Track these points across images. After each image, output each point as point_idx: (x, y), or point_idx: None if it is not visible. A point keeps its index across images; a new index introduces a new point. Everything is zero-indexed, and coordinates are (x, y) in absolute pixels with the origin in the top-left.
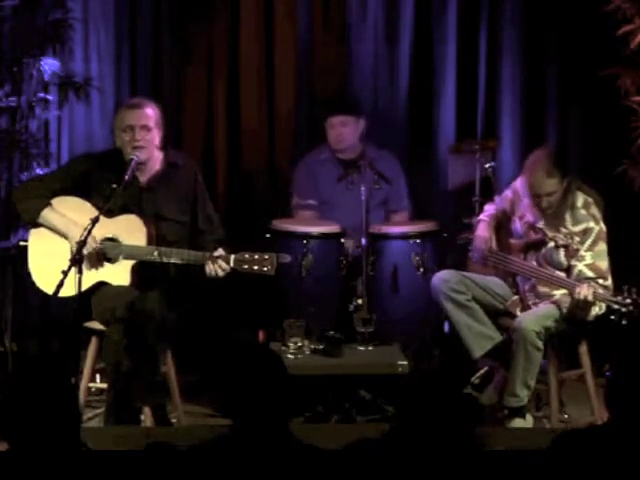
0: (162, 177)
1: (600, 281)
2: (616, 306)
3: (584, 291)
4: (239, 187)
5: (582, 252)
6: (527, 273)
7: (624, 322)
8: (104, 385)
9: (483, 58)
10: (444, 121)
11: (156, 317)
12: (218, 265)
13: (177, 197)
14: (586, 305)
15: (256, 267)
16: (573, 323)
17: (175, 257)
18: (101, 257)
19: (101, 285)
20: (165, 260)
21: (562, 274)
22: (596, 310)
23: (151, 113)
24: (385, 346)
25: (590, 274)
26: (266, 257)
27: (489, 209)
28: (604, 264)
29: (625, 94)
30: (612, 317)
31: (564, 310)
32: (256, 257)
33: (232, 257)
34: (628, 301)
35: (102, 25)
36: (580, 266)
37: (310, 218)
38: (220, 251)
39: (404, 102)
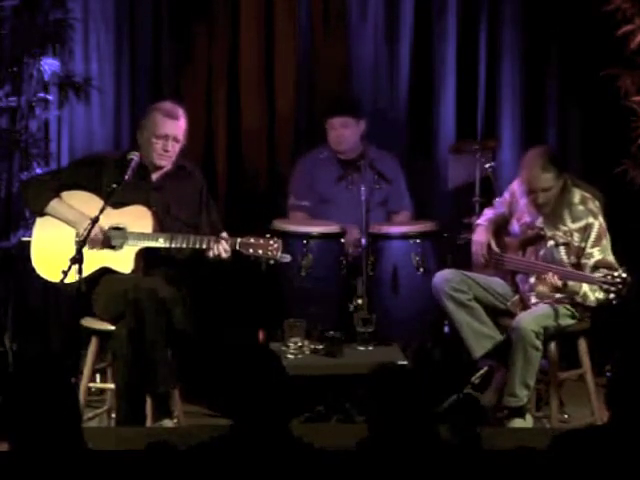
0: (171, 177)
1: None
2: (605, 286)
3: (549, 278)
4: (239, 187)
5: (588, 249)
6: (523, 268)
7: (614, 301)
8: (104, 385)
9: (483, 58)
10: (444, 121)
11: (162, 297)
12: (221, 245)
13: (184, 198)
14: (561, 290)
15: (261, 251)
16: (578, 311)
17: (180, 241)
18: (106, 244)
19: (101, 278)
20: (170, 245)
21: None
22: (595, 295)
23: (184, 125)
24: (385, 346)
25: (602, 269)
26: (271, 242)
27: (487, 214)
28: (611, 258)
29: (625, 94)
30: (611, 298)
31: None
32: (261, 241)
33: (238, 240)
34: (618, 280)
35: (102, 25)
36: (590, 263)
37: (303, 219)
38: (225, 234)
39: (404, 102)
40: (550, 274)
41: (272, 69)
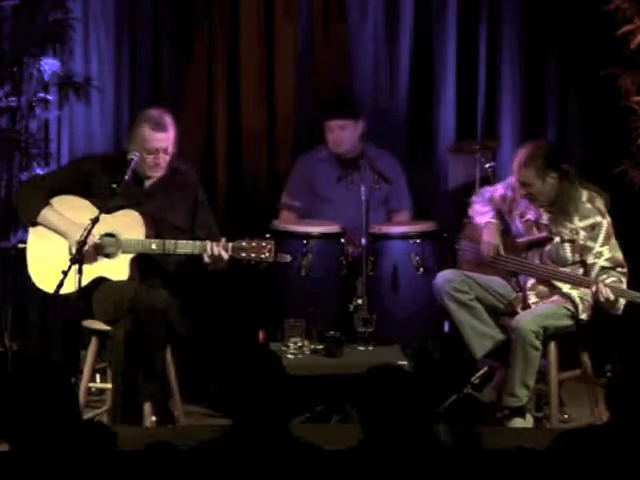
0: (164, 182)
1: (619, 269)
2: None
3: (603, 292)
4: (239, 187)
5: (598, 248)
6: (534, 272)
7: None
8: (104, 385)
9: (483, 58)
10: (444, 121)
11: (160, 309)
12: (217, 252)
13: (177, 203)
14: (611, 304)
15: (254, 254)
16: (602, 320)
17: (174, 248)
18: (100, 252)
19: (101, 282)
20: (164, 251)
21: (566, 270)
22: (621, 301)
23: (173, 135)
24: (385, 346)
25: (610, 266)
26: (264, 244)
27: (486, 210)
28: (620, 255)
29: (625, 94)
30: None
31: (582, 314)
32: (254, 244)
33: (230, 245)
34: None
35: (102, 25)
36: (600, 262)
37: (293, 219)
38: (222, 241)
39: (404, 102)
40: (601, 286)
41: (272, 69)
